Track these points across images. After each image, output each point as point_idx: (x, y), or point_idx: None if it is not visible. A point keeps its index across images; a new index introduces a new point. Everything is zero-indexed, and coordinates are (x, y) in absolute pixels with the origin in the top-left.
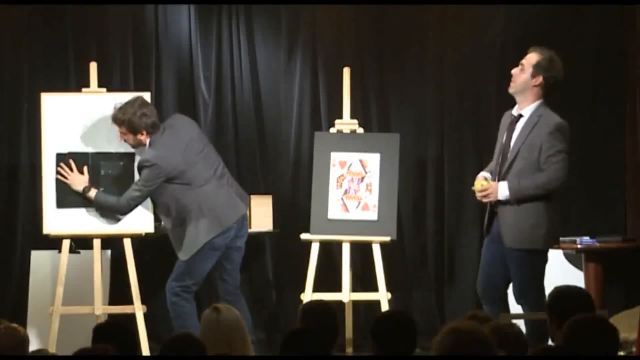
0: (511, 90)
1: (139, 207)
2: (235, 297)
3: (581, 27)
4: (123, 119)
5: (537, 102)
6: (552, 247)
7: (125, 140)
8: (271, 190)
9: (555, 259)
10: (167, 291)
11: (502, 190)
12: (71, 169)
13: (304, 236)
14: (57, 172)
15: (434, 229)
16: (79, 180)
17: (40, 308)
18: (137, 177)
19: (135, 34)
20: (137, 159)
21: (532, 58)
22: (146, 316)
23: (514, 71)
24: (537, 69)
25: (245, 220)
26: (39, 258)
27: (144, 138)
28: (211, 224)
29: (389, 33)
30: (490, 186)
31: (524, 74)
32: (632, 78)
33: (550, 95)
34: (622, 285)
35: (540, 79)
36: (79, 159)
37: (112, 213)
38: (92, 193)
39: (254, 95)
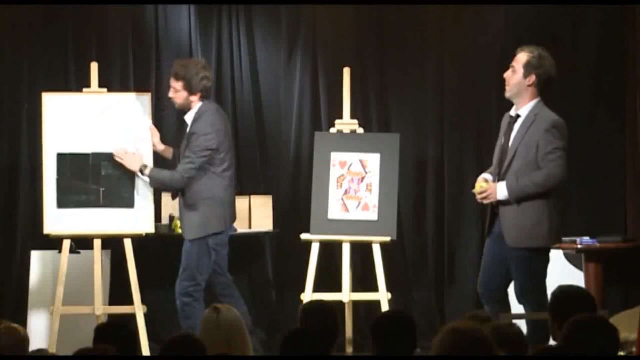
0: (507, 94)
1: (139, 207)
2: (231, 290)
3: (581, 27)
4: (184, 75)
5: (534, 101)
6: (555, 245)
7: (172, 98)
8: (271, 190)
9: (555, 259)
10: (177, 293)
11: (501, 191)
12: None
13: (304, 236)
14: (113, 155)
15: (434, 229)
16: (135, 160)
17: (40, 308)
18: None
19: (135, 34)
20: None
21: (521, 58)
22: (146, 316)
23: (506, 74)
24: (528, 67)
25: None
26: (39, 258)
27: (195, 101)
28: (222, 217)
29: (389, 33)
30: (489, 187)
31: (517, 75)
32: (632, 78)
33: (545, 91)
34: (622, 285)
35: (533, 77)
36: (80, 159)
37: (166, 188)
38: (148, 171)
39: (254, 95)
